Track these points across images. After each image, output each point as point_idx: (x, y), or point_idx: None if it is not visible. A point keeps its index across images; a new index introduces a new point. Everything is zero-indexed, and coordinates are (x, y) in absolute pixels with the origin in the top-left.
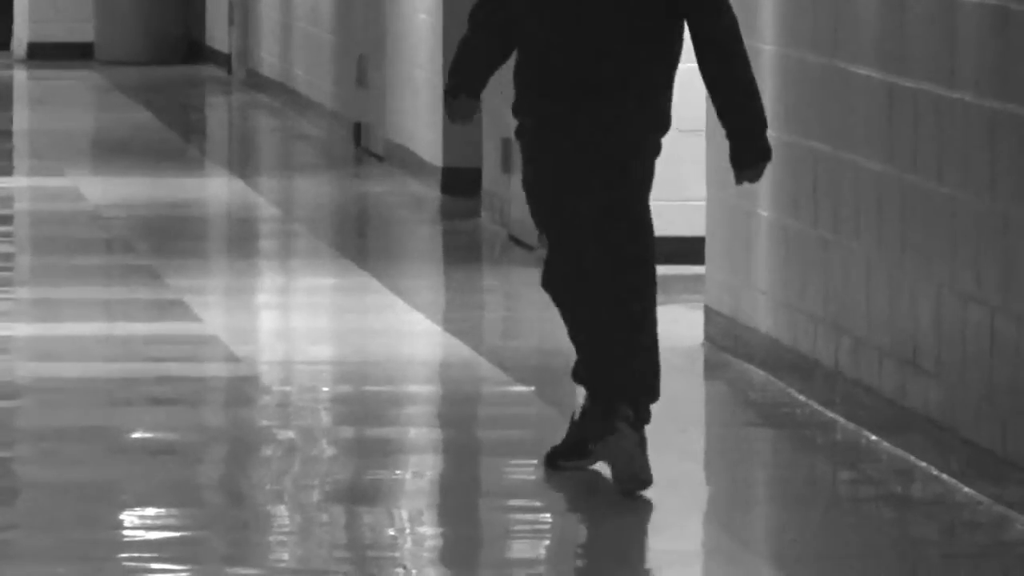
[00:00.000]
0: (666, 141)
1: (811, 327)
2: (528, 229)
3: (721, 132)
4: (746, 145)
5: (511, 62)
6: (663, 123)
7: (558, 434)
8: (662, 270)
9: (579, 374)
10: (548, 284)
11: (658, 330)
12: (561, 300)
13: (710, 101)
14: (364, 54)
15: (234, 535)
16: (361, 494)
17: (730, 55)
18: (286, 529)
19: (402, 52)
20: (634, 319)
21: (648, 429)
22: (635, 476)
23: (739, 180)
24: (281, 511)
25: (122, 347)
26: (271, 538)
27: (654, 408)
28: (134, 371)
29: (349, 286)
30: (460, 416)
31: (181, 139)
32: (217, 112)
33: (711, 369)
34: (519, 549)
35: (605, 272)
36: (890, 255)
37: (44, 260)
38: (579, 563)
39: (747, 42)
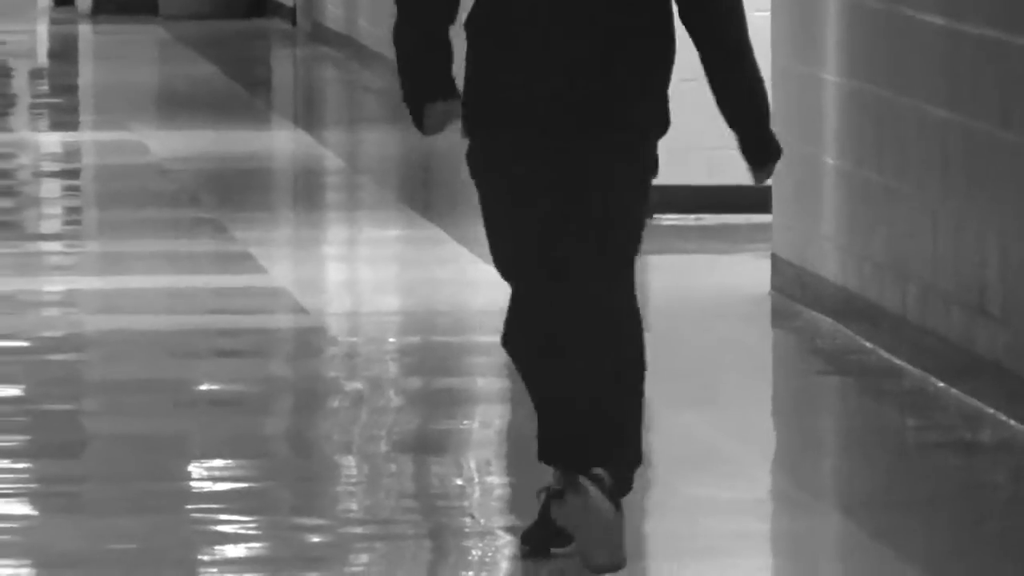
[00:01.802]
0: None
1: (878, 274)
2: None
3: (786, 78)
4: (757, 147)
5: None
6: (661, 121)
7: None
8: (730, 219)
9: (549, 448)
10: (508, 341)
11: (643, 385)
12: (524, 362)
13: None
14: None
15: (301, 486)
16: (428, 444)
17: (732, 51)
18: (353, 480)
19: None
20: (616, 385)
21: (718, 380)
22: (608, 552)
23: (757, 180)
24: (348, 462)
25: (188, 300)
26: (338, 489)
27: (720, 360)
28: (201, 323)
29: (415, 237)
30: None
31: (246, 92)
32: (282, 65)
33: (778, 318)
34: None
35: (582, 338)
36: (955, 201)
37: (110, 214)
38: (646, 512)
39: None
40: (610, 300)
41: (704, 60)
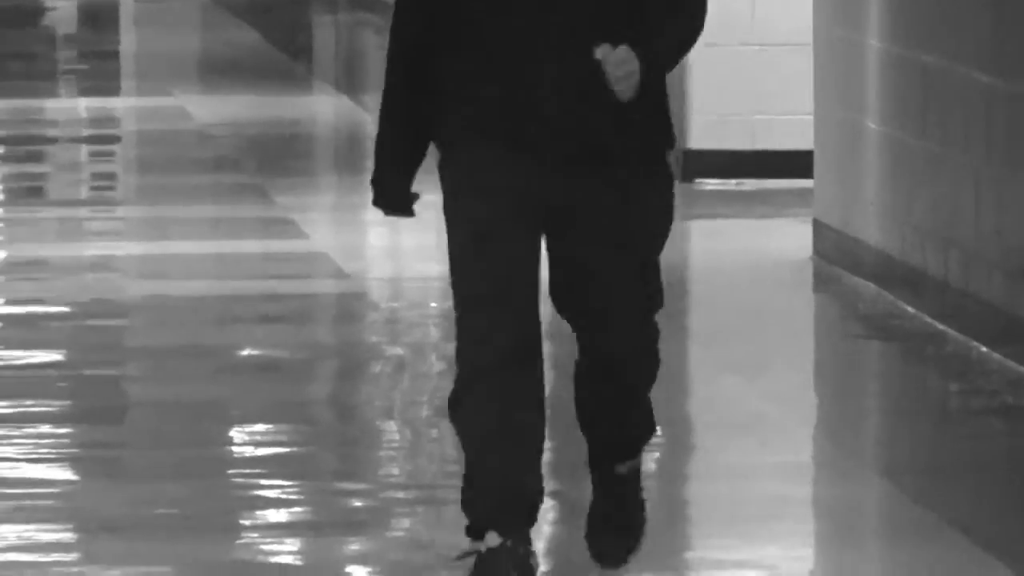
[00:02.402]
0: (774, 56)
1: (920, 239)
2: None
3: (828, 43)
4: (643, 59)
5: None
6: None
7: (666, 347)
8: (772, 184)
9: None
10: (456, 414)
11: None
12: (472, 438)
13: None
14: None
15: (343, 451)
16: None
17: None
18: (395, 444)
19: None
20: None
21: (760, 345)
22: None
23: (613, 80)
24: (390, 427)
25: (230, 265)
26: (380, 454)
27: (762, 325)
28: (243, 289)
29: None
30: (567, 330)
31: (288, 58)
32: (323, 30)
33: (820, 282)
34: None
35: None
36: (998, 166)
37: (152, 179)
38: (688, 476)
39: None
40: (632, 372)
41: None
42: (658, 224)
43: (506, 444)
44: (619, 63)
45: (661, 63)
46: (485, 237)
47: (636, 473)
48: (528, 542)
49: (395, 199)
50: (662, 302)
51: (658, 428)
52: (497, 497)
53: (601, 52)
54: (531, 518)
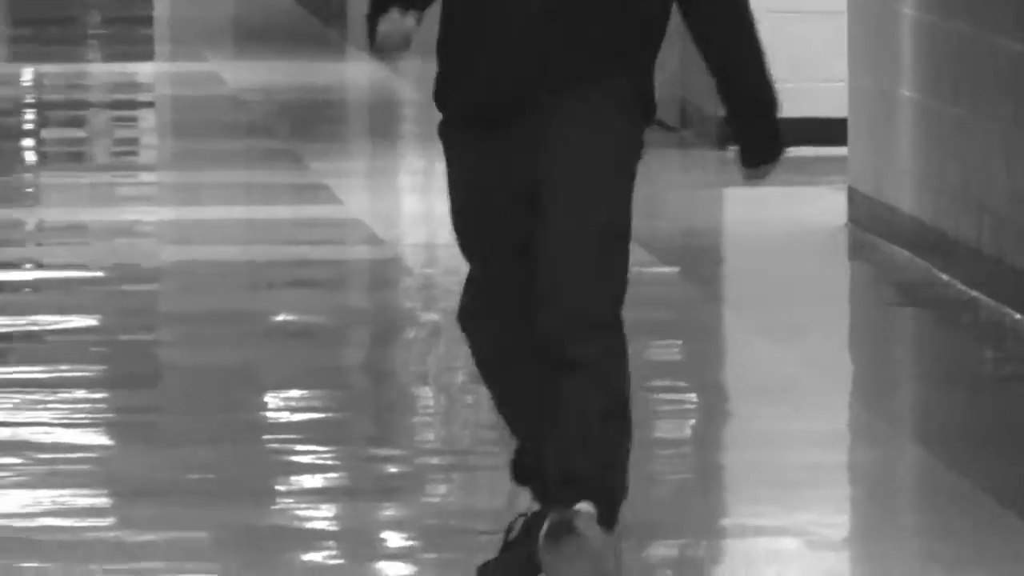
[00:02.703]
0: (808, 24)
1: (953, 206)
2: (668, 112)
3: (863, 11)
4: (753, 142)
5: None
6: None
7: (701, 314)
8: (806, 152)
9: (520, 467)
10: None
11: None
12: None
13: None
14: None
15: (378, 416)
16: None
17: (730, 15)
18: (430, 410)
19: None
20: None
21: (795, 312)
22: None
23: (746, 178)
24: (425, 392)
25: (264, 230)
26: (415, 419)
27: (797, 292)
28: (276, 254)
29: None
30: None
31: (322, 23)
32: None
33: (855, 250)
34: (664, 429)
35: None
36: None
37: (186, 144)
38: (723, 443)
39: None
40: (591, 309)
41: (696, 29)
42: (618, 151)
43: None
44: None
45: (774, 111)
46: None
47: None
48: (587, 517)
49: (392, 27)
50: (624, 281)
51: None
52: (527, 453)
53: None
54: (587, 489)
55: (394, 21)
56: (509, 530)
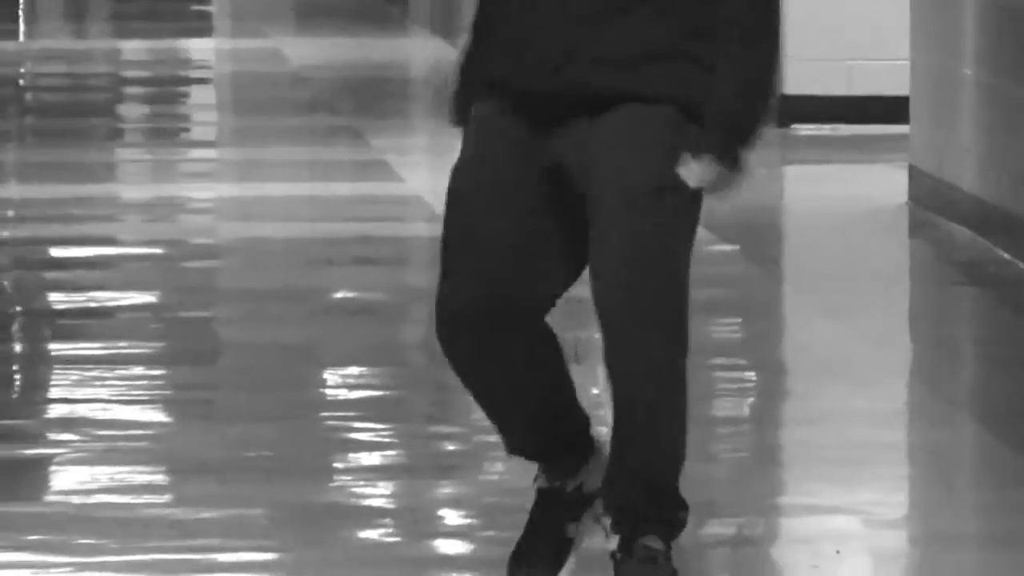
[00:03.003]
0: (871, 1)
1: (1016, 185)
2: None
3: None
4: (721, 133)
5: None
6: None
7: (761, 292)
8: (868, 129)
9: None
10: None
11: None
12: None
13: None
14: None
15: (436, 394)
16: (563, 353)
17: (746, 34)
18: None
19: None
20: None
21: (855, 290)
22: None
23: (689, 178)
24: None
25: (325, 207)
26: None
27: (857, 270)
28: (336, 231)
29: None
30: None
31: (384, 0)
32: None
33: (915, 228)
34: (723, 407)
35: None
36: None
37: (247, 121)
38: (782, 421)
39: None
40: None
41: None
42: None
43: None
44: (699, 181)
45: (744, 130)
46: (469, 194)
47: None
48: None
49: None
50: (684, 323)
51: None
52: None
53: (683, 169)
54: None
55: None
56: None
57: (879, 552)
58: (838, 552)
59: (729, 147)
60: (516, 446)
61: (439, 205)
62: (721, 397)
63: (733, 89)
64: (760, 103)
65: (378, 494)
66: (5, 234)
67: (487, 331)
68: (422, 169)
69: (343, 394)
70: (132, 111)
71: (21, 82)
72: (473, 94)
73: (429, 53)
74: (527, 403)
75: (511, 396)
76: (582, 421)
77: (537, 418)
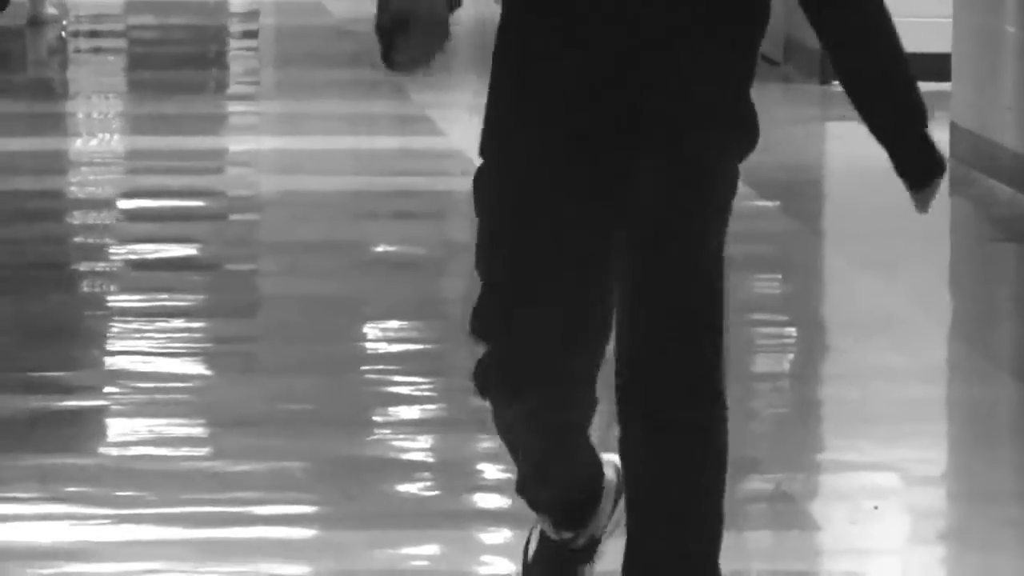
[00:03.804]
0: None
1: None
2: (772, 45)
3: None
4: (917, 159)
5: None
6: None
7: (801, 248)
8: None
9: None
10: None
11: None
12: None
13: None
14: None
15: (477, 348)
16: None
17: (871, 38)
18: None
19: None
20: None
21: (895, 245)
22: None
23: (920, 206)
24: None
25: (366, 161)
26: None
27: (897, 226)
28: (378, 185)
29: None
30: None
31: None
32: None
33: (956, 185)
34: (763, 363)
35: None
36: None
37: (290, 74)
38: (821, 377)
39: None
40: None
41: (830, 40)
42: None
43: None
44: (932, 204)
45: (924, 124)
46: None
47: None
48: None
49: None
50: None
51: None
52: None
53: (917, 205)
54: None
55: (427, 29)
56: (527, 545)
57: (916, 508)
58: (876, 508)
59: (934, 156)
60: (540, 501)
61: (479, 159)
62: (761, 353)
63: (900, 103)
64: (914, 84)
65: (417, 448)
66: (37, 187)
67: (552, 394)
68: (463, 123)
69: (383, 348)
70: (175, 64)
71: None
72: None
73: (472, 7)
74: (571, 464)
75: (559, 455)
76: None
77: (575, 479)
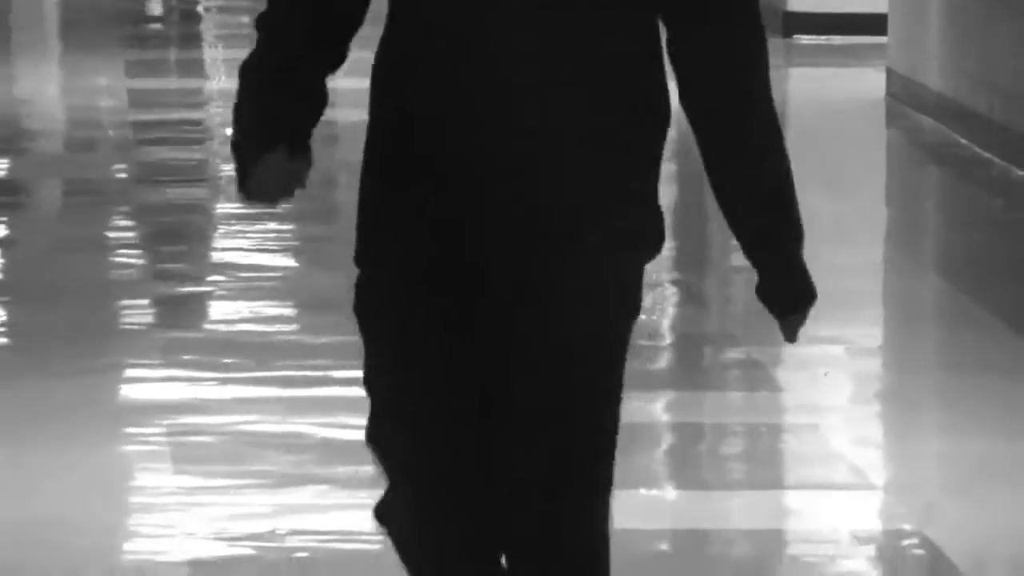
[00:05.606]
0: None
1: (972, 84)
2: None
3: None
4: (784, 285)
5: None
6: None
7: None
8: (856, 40)
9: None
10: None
11: None
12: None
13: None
14: None
15: None
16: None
17: (740, 112)
18: None
19: None
20: None
21: (843, 167)
22: None
23: (787, 334)
24: None
25: None
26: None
27: (845, 152)
28: None
29: None
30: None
31: None
32: None
33: (891, 118)
34: (739, 259)
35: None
36: None
37: None
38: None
39: None
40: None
41: (703, 140)
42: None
43: None
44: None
45: (798, 249)
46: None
47: None
48: None
49: (266, 174)
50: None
51: None
52: None
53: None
54: None
55: (276, 169)
56: None
57: (859, 375)
58: (826, 374)
59: (803, 282)
60: None
61: None
62: (735, 251)
63: (768, 222)
64: (794, 208)
65: None
66: (181, 116)
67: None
68: None
69: None
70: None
71: None
72: None
73: None
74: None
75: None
76: None
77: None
